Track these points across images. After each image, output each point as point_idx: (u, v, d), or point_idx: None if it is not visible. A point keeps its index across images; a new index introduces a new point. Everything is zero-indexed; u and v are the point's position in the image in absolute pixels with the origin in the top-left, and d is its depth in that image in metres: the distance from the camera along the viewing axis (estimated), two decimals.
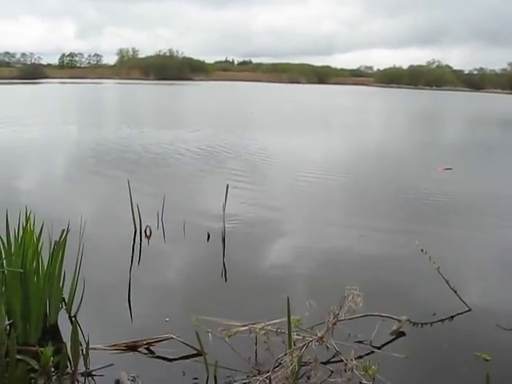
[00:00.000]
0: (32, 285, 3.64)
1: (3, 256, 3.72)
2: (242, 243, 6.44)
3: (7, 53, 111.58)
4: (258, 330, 3.81)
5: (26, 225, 3.84)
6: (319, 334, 3.22)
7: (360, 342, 3.98)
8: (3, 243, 3.71)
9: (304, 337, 3.40)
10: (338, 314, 3.19)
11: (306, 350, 3.32)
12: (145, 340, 3.85)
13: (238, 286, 5.24)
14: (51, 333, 3.98)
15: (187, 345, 3.76)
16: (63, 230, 4.24)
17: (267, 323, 3.91)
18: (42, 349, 3.24)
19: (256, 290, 5.13)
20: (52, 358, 3.16)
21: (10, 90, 53.51)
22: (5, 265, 3.65)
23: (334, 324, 3.22)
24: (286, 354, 3.14)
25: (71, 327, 4.04)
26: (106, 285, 5.01)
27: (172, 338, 3.83)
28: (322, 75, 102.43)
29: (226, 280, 5.41)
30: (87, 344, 3.24)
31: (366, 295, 3.66)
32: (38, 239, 3.78)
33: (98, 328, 4.11)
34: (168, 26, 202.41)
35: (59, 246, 3.81)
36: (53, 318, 4.05)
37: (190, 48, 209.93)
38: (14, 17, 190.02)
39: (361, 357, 3.68)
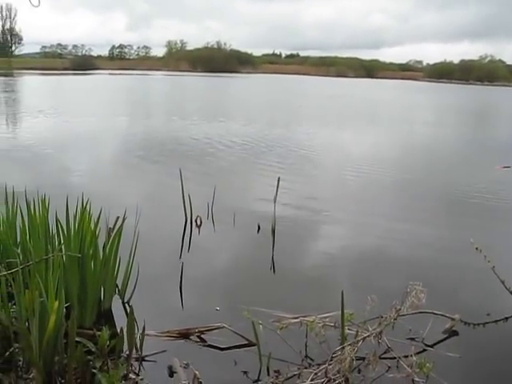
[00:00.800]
0: (89, 270, 3.71)
1: (62, 241, 3.82)
2: (292, 235, 6.42)
3: (59, 44, 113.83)
4: (309, 323, 3.80)
5: (83, 211, 3.93)
6: (377, 329, 3.18)
7: (412, 339, 3.93)
8: (62, 228, 3.80)
9: (357, 331, 3.37)
10: (400, 309, 3.15)
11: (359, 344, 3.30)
12: (197, 328, 3.88)
13: (287, 278, 5.24)
14: (105, 317, 4.07)
15: (239, 335, 3.78)
16: (118, 218, 4.33)
17: (318, 316, 3.91)
18: (98, 332, 3.32)
19: (304, 282, 5.12)
20: (108, 342, 3.21)
21: (61, 81, 54.66)
22: (63, 249, 3.74)
23: (395, 319, 3.18)
24: (343, 348, 3.11)
25: (124, 312, 4.21)
26: (157, 272, 5.08)
27: (224, 327, 3.85)
28: (370, 69, 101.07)
29: (274, 272, 5.41)
30: (143, 330, 3.28)
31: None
32: (96, 225, 3.85)
33: (149, 314, 4.16)
34: (217, 19, 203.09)
35: (116, 233, 3.88)
36: (107, 302, 4.12)
37: (238, 40, 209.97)
38: (68, 10, 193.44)
39: (413, 354, 3.63)
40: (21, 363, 3.30)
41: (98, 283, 3.87)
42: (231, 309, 4.33)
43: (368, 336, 3.14)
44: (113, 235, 3.89)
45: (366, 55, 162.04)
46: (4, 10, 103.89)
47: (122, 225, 4.00)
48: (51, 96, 32.75)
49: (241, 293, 4.81)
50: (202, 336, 3.87)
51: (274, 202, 6.47)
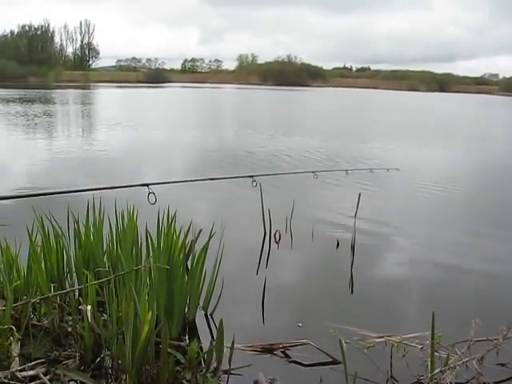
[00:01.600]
0: (177, 282, 3.77)
1: (151, 252, 3.91)
2: (371, 252, 6.34)
3: (134, 58, 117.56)
4: (395, 344, 3.73)
5: (172, 223, 4.02)
6: (479, 354, 3.08)
7: (502, 364, 3.78)
8: (152, 239, 3.90)
9: (449, 354, 3.27)
10: (506, 334, 3.04)
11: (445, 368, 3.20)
12: (281, 343, 3.88)
13: (366, 295, 5.16)
14: (189, 329, 4.13)
15: (324, 352, 3.75)
16: (200, 230, 4.41)
17: (403, 336, 3.83)
18: (182, 343, 3.37)
19: (384, 300, 5.02)
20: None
21: (136, 94, 56.28)
22: (151, 261, 3.82)
23: (499, 344, 3.07)
24: (441, 372, 3.03)
25: (206, 325, 4.26)
26: (237, 286, 5.10)
27: (309, 343, 3.83)
28: (443, 83, 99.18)
29: (353, 288, 5.35)
30: (232, 343, 3.30)
31: (495, 315, 3.46)
32: (186, 237, 3.93)
33: (231, 328, 4.19)
34: (288, 32, 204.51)
35: (203, 247, 3.95)
36: (191, 314, 4.18)
37: (309, 54, 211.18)
38: (143, 25, 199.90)
39: (503, 381, 3.50)
40: (110, 370, 3.38)
41: (185, 295, 3.92)
42: (313, 325, 4.31)
43: (470, 360, 3.04)
44: (200, 248, 3.95)
45: (439, 68, 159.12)
46: (83, 25, 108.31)
47: (209, 239, 4.06)
48: (127, 108, 33.77)
49: (321, 309, 4.78)
50: (287, 351, 3.86)
51: (355, 217, 6.43)
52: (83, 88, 66.26)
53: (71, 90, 57.85)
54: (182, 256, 3.79)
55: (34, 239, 4.03)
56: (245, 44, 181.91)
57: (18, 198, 1.98)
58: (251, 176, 3.25)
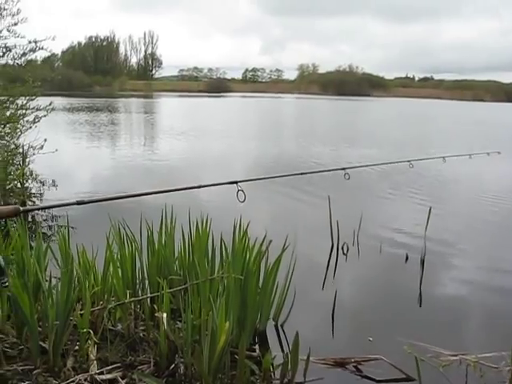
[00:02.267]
0: (250, 292, 3.78)
1: (225, 261, 3.94)
2: (441, 267, 6.18)
3: (196, 68, 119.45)
4: (472, 363, 3.63)
5: (244, 234, 4.05)
6: None
7: None
8: (226, 249, 3.94)
9: None
10: None
11: None
12: (353, 358, 3.83)
13: (436, 311, 5.03)
14: (260, 339, 4.13)
15: (397, 368, 3.67)
16: (270, 241, 4.40)
17: (479, 356, 3.73)
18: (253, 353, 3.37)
19: (456, 317, 4.89)
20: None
21: (197, 103, 57.07)
22: (225, 270, 3.85)
23: None
24: None
25: (276, 335, 4.26)
26: (305, 297, 5.07)
27: (381, 359, 3.77)
28: (511, 92, 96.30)
29: (422, 303, 5.23)
30: (308, 356, 3.28)
31: None
32: (260, 247, 3.94)
33: (301, 340, 4.17)
34: (349, 41, 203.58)
35: (277, 258, 3.95)
36: (262, 325, 4.18)
37: (370, 63, 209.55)
38: (205, 35, 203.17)
39: None
40: (184, 377, 3.41)
41: (258, 306, 3.93)
42: (384, 340, 4.25)
43: None
44: (274, 260, 3.96)
45: (506, 78, 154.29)
46: (147, 36, 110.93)
47: (282, 251, 4.07)
48: (190, 117, 34.26)
49: (391, 324, 4.69)
50: (359, 366, 3.80)
51: (425, 231, 6.31)
52: (146, 97, 67.77)
53: (134, 99, 59.23)
54: (256, 266, 3.79)
55: (110, 245, 4.12)
56: (306, 53, 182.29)
57: (100, 202, 2.02)
58: (343, 168, 3.22)
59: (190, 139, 20.11)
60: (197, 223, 4.35)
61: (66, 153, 11.72)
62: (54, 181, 10.22)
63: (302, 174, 3.00)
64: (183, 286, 3.68)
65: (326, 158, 15.21)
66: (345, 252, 6.43)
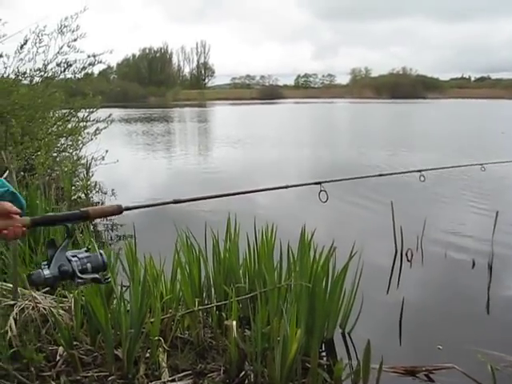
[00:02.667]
0: (318, 300, 3.76)
1: (291, 270, 3.94)
2: (510, 272, 6.02)
3: (248, 75, 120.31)
4: None
5: (310, 240, 4.04)
6: None
7: None
8: (294, 256, 3.94)
9: None
10: None
11: None
12: (424, 366, 3.76)
13: (506, 319, 4.88)
14: (327, 347, 4.10)
15: (470, 378, 3.58)
16: (334, 248, 4.37)
17: None
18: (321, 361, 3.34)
19: None
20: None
21: (250, 111, 57.34)
22: (293, 278, 3.85)
23: None
24: None
25: (343, 343, 4.22)
26: (370, 304, 5.00)
27: (454, 368, 3.68)
28: None
29: (490, 310, 5.09)
30: (380, 365, 3.23)
31: None
32: (329, 255, 3.92)
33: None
34: (402, 44, 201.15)
35: (345, 266, 3.92)
36: (330, 333, 4.15)
37: (425, 65, 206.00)
38: (256, 43, 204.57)
39: None
40: None
41: (325, 313, 3.91)
42: (454, 348, 4.15)
43: None
44: (342, 267, 3.93)
45: None
46: (199, 46, 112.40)
47: (349, 259, 4.04)
48: (244, 125, 34.44)
49: (460, 331, 4.57)
50: (430, 375, 3.73)
51: (492, 236, 6.15)
52: (199, 106, 68.55)
53: (188, 109, 60.03)
54: (324, 273, 3.78)
55: (178, 251, 4.17)
56: (358, 57, 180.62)
57: (195, 201, 2.05)
58: (419, 170, 3.17)
59: (246, 147, 20.22)
60: (262, 229, 4.36)
61: (123, 163, 11.95)
62: (113, 190, 10.45)
63: (380, 175, 2.97)
64: (252, 294, 3.70)
65: (386, 164, 14.94)
66: (409, 258, 6.32)
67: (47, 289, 4.33)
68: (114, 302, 3.66)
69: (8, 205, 1.62)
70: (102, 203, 9.65)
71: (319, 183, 2.35)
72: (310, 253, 3.95)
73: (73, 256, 1.64)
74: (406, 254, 6.34)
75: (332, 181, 2.52)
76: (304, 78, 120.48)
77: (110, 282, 3.84)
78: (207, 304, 4.23)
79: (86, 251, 1.69)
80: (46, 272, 1.59)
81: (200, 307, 3.93)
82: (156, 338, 3.48)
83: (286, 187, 2.40)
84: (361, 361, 3.37)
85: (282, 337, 3.01)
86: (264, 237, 4.31)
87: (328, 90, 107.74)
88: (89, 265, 1.65)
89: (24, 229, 1.62)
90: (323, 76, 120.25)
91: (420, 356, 4.04)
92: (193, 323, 3.84)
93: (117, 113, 36.93)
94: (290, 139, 22.97)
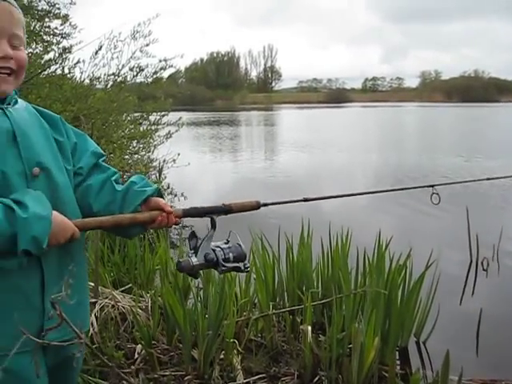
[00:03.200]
0: (395, 307, 3.71)
1: (367, 276, 3.91)
2: None
3: (315, 79, 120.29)
4: None
5: (387, 247, 4.01)
6: None
7: None
8: (370, 262, 3.90)
9: None
10: None
11: None
12: (504, 380, 3.64)
13: None
14: (402, 356, 4.03)
15: None
16: (409, 255, 4.30)
17: None
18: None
19: None
20: None
21: (317, 114, 57.16)
22: (367, 283, 3.82)
23: None
24: None
25: (417, 352, 4.14)
26: (444, 313, 4.89)
27: None
28: None
29: None
30: (460, 377, 3.16)
31: None
32: (406, 260, 3.87)
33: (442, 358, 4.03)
34: (474, 45, 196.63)
35: (422, 274, 3.87)
36: (404, 341, 4.08)
37: (498, 67, 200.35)
38: (324, 46, 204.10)
39: None
40: None
41: (400, 321, 3.85)
42: None
43: None
44: (419, 275, 3.87)
45: None
46: (266, 49, 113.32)
47: (426, 268, 3.98)
48: (311, 129, 34.35)
49: None
50: None
51: None
52: (266, 109, 68.93)
53: (255, 112, 60.44)
54: (401, 280, 3.73)
55: (254, 253, 4.20)
56: (428, 60, 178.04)
57: (324, 199, 2.10)
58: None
59: (314, 152, 20.17)
60: (336, 235, 4.34)
61: (191, 166, 12.14)
62: (182, 193, 10.60)
63: (487, 179, 2.92)
64: (328, 300, 3.69)
65: (461, 171, 14.51)
66: (484, 267, 6.14)
67: (125, 287, 4.48)
68: (189, 302, 3.74)
69: (162, 202, 1.82)
70: (172, 206, 9.81)
71: (432, 186, 2.37)
72: (386, 259, 3.91)
73: (216, 246, 1.77)
74: (482, 263, 6.17)
75: (445, 184, 2.50)
76: (372, 81, 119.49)
77: (187, 282, 3.93)
78: (280, 308, 4.24)
79: (226, 243, 1.80)
80: (194, 260, 1.72)
81: (275, 311, 3.95)
82: (231, 340, 3.51)
83: (393, 190, 2.43)
84: (437, 371, 3.29)
85: (359, 343, 2.99)
86: (338, 242, 4.28)
87: (396, 93, 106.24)
88: (231, 254, 1.76)
89: (177, 219, 1.83)
90: (391, 79, 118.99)
91: (498, 369, 3.92)
92: (267, 326, 3.86)
93: (185, 116, 37.49)
94: (358, 144, 22.76)
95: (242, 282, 4.16)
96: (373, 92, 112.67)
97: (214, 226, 1.81)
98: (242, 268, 1.78)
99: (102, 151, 1.91)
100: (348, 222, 4.82)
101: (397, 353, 4.00)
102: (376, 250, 3.99)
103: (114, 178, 1.86)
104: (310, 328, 3.46)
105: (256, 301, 4.16)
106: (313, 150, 20.78)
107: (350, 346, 3.42)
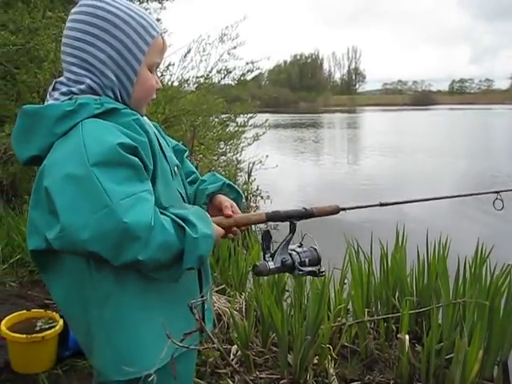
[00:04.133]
0: (497, 319, 3.57)
1: (468, 285, 3.79)
2: None
3: (400, 81, 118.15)
4: None
5: (488, 255, 3.87)
6: None
7: None
8: (471, 272, 3.78)
9: None
10: None
11: None
12: None
13: None
14: (502, 370, 3.87)
15: None
16: (509, 265, 4.12)
17: None
18: None
19: None
20: None
21: (403, 117, 56.04)
22: (467, 292, 3.70)
23: None
24: None
25: None
26: None
27: None
28: None
29: None
30: None
31: None
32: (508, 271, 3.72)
33: None
34: None
35: None
36: (504, 355, 3.91)
37: None
38: (411, 47, 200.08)
39: None
40: None
41: (502, 334, 3.70)
42: None
43: None
44: None
45: None
46: (350, 51, 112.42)
47: None
48: (396, 133, 33.70)
49: None
50: None
51: None
52: (349, 112, 68.28)
53: (338, 115, 59.99)
54: (504, 291, 3.59)
55: (350, 258, 4.15)
56: None
57: (401, 204, 2.06)
58: None
59: (400, 156, 19.78)
60: (434, 242, 4.23)
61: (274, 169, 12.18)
62: (268, 196, 10.64)
63: None
64: (427, 309, 3.60)
65: None
66: None
67: (220, 287, 4.55)
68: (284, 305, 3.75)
69: (224, 203, 1.76)
70: (257, 207, 9.91)
71: (497, 192, 2.28)
72: (485, 268, 3.77)
73: (292, 250, 1.74)
74: None
75: (509, 190, 2.39)
76: (459, 82, 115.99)
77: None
78: (373, 315, 4.18)
79: (299, 246, 1.77)
80: (271, 263, 1.70)
81: (370, 318, 3.89)
82: (326, 345, 3.49)
83: (458, 196, 2.35)
84: None
85: (462, 355, 2.89)
86: (436, 249, 4.17)
87: (485, 95, 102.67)
88: (307, 259, 1.74)
89: (236, 229, 1.74)
90: (480, 81, 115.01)
91: None
92: (361, 333, 3.81)
93: (269, 118, 37.80)
94: (445, 148, 22.09)
95: (336, 287, 4.14)
96: (460, 94, 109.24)
97: (293, 230, 1.78)
98: (317, 272, 1.75)
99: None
100: (433, 227, 4.65)
101: (496, 367, 3.87)
102: (477, 258, 3.84)
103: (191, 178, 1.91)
104: (407, 337, 3.39)
105: (349, 306, 4.11)
106: (398, 154, 20.36)
107: (447, 357, 3.34)
